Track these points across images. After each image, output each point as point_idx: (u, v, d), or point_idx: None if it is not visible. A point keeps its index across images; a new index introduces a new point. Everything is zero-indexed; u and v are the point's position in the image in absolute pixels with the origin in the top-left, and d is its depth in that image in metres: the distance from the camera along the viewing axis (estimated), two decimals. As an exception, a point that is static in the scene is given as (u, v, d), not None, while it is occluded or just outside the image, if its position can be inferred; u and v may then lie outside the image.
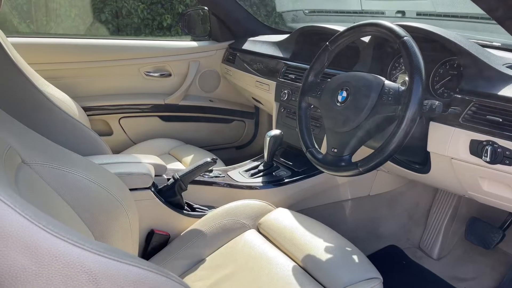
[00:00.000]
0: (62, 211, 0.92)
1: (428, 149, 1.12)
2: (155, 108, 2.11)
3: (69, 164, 0.98)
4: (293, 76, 1.61)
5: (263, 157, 1.66)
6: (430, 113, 1.01)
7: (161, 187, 1.30)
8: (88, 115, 1.91)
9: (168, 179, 1.37)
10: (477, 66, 1.05)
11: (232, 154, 2.44)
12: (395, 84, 1.04)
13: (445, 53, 1.18)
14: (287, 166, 1.56)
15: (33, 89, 1.22)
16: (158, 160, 1.35)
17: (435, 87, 1.21)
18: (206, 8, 2.17)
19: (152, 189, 1.25)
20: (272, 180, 1.47)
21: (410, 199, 1.67)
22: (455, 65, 1.16)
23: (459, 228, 1.64)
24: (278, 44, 1.82)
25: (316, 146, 1.20)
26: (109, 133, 2.06)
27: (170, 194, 1.29)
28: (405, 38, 0.99)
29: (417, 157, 1.22)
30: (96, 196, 1.00)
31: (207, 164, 1.31)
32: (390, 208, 1.63)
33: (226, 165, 1.87)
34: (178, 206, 1.32)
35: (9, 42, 1.50)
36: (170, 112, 2.15)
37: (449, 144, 1.06)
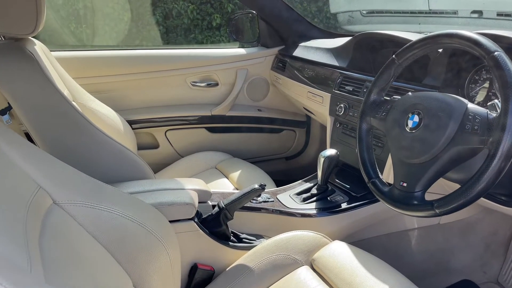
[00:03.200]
0: (95, 255, 0.83)
1: (521, 183, 0.93)
2: (202, 119, 2.02)
3: (104, 201, 0.89)
4: (350, 88, 1.44)
5: (316, 176, 1.52)
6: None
7: (205, 216, 1.20)
8: (133, 129, 1.86)
9: (213, 206, 1.27)
10: None
11: (281, 166, 2.31)
12: (482, 109, 0.85)
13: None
14: (343, 190, 1.40)
15: (71, 110, 1.15)
16: (202, 185, 1.25)
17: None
18: (254, 12, 2.05)
19: (195, 220, 1.15)
20: (327, 206, 1.32)
21: (487, 227, 1.45)
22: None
23: (547, 261, 1.40)
24: (333, 51, 1.65)
25: (381, 176, 1.04)
26: (155, 146, 2.00)
27: (215, 224, 1.19)
28: (496, 53, 0.81)
29: (504, 188, 1.02)
30: (133, 235, 0.91)
31: (254, 191, 1.19)
32: (464, 238, 1.43)
33: (276, 177, 1.75)
34: (223, 237, 1.21)
35: (53, 57, 1.46)
36: (217, 124, 2.06)
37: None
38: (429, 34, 0.95)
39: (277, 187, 1.66)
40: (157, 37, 5.94)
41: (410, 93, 1.06)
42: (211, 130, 2.07)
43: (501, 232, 1.48)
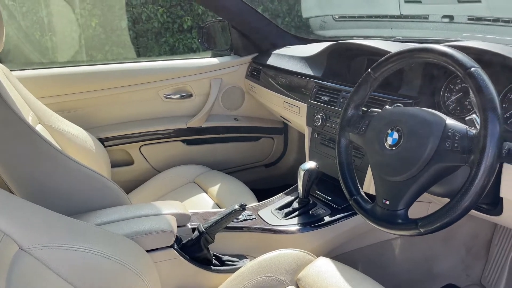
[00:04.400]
0: (70, 301, 0.78)
1: (501, 195, 0.92)
2: (177, 132, 1.97)
3: (76, 239, 0.84)
4: (326, 99, 1.42)
5: (296, 188, 1.50)
6: (508, 160, 0.81)
7: (185, 241, 1.15)
8: (106, 146, 1.80)
9: (193, 229, 1.22)
10: None
11: (261, 173, 2.28)
12: (461, 125, 0.84)
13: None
14: (325, 202, 1.38)
15: (35, 137, 1.07)
16: (180, 208, 1.20)
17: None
18: (223, 19, 2.01)
19: (175, 247, 1.11)
20: (309, 221, 1.30)
21: (467, 231, 1.46)
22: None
23: (527, 261, 1.42)
24: (307, 60, 1.62)
25: (362, 193, 1.02)
26: (130, 162, 1.94)
27: (196, 249, 1.15)
28: (472, 69, 0.80)
29: (485, 198, 1.02)
30: (109, 273, 0.86)
31: (234, 212, 1.16)
32: (446, 243, 1.43)
33: (257, 186, 1.71)
34: (205, 261, 1.17)
35: (14, 78, 1.38)
36: (193, 136, 2.01)
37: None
38: (405, 48, 0.94)
39: (258, 195, 1.64)
40: (127, 42, 5.82)
41: (387, 106, 1.05)
42: (187, 142, 2.02)
43: (482, 235, 1.49)
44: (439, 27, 1.62)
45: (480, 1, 1.47)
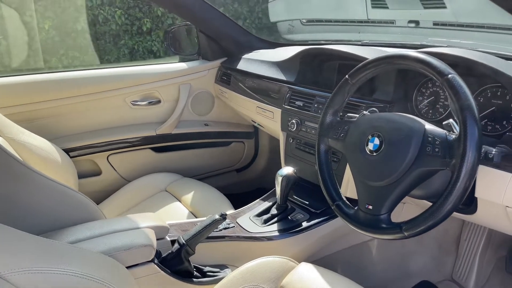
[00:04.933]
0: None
1: (476, 195, 0.96)
2: (146, 140, 1.92)
3: (51, 260, 0.79)
4: (300, 104, 1.43)
5: (273, 194, 1.49)
6: (485, 163, 0.84)
7: (165, 255, 1.12)
8: (72, 157, 1.72)
9: (172, 242, 1.19)
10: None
11: (233, 179, 2.27)
12: (440, 130, 0.86)
13: (486, 79, 1.00)
14: (303, 207, 1.38)
15: None
16: (158, 221, 1.17)
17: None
18: (191, 24, 1.98)
19: (156, 261, 1.07)
20: (288, 226, 1.30)
21: (438, 227, 1.50)
22: (498, 93, 0.99)
23: (493, 255, 1.49)
24: (279, 65, 1.63)
25: (344, 198, 1.03)
26: (97, 173, 1.86)
27: (176, 262, 1.11)
28: (449, 76, 0.82)
29: None
30: (90, 294, 0.82)
31: (215, 222, 1.13)
32: (419, 241, 1.47)
33: (229, 191, 1.69)
34: (186, 274, 1.14)
35: None
36: (163, 143, 1.96)
37: (505, 192, 0.90)
38: (382, 55, 0.95)
39: (231, 201, 1.62)
40: (84, 45, 5.63)
41: (365, 112, 1.07)
42: (157, 150, 1.97)
43: (451, 230, 1.55)
44: (405, 31, 1.68)
45: (445, 7, 1.53)
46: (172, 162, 2.01)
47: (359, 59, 1.22)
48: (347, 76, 1.04)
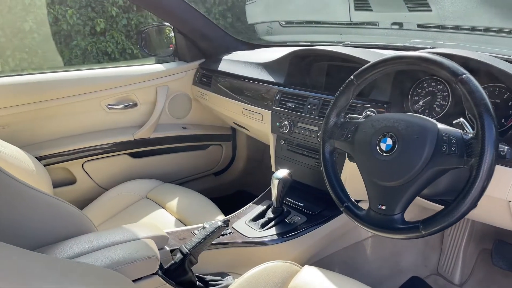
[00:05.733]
0: None
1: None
2: (124, 145, 1.83)
3: (59, 279, 0.72)
4: (292, 105, 1.41)
5: (265, 197, 1.47)
6: (498, 160, 0.86)
7: (168, 266, 1.06)
8: (45, 165, 1.60)
9: (171, 251, 1.14)
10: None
11: (211, 183, 2.22)
12: (454, 129, 0.88)
13: (484, 79, 1.04)
14: (298, 209, 1.37)
15: None
16: (156, 230, 1.11)
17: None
18: (167, 24, 1.91)
19: (160, 273, 1.02)
20: (287, 230, 1.28)
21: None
22: (496, 92, 1.03)
23: (476, 248, 1.56)
24: (265, 66, 1.60)
25: (353, 199, 1.03)
26: (72, 181, 1.75)
27: (180, 273, 1.06)
28: (464, 76, 0.84)
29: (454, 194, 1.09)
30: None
31: (219, 229, 1.10)
32: (408, 238, 1.51)
33: (207, 195, 1.64)
34: (190, 285, 1.09)
35: None
36: (141, 148, 1.88)
37: (510, 188, 0.93)
38: (392, 55, 0.95)
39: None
40: (32, 46, 5.33)
41: (368, 112, 1.07)
42: (134, 155, 1.88)
43: (436, 226, 1.60)
44: (388, 33, 1.71)
45: (431, 10, 1.59)
46: (150, 168, 1.94)
47: (359, 61, 1.22)
48: (352, 76, 1.03)
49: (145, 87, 1.85)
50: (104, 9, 5.63)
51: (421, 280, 1.51)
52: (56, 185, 1.67)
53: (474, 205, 0.82)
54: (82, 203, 1.68)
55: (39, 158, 1.57)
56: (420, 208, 1.24)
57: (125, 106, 1.83)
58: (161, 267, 1.07)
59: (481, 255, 1.55)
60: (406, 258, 1.53)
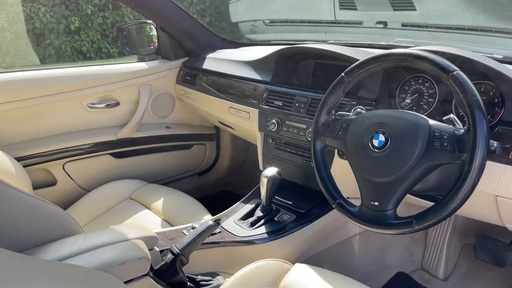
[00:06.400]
0: None
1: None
2: (106, 145, 1.78)
3: (36, 281, 0.69)
4: (280, 103, 1.41)
5: (253, 195, 1.46)
6: (489, 155, 0.88)
7: (158, 266, 1.04)
8: (24, 166, 1.55)
9: (161, 251, 1.12)
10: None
11: (195, 182, 2.19)
12: (445, 125, 0.89)
13: (472, 76, 1.06)
14: (287, 207, 1.37)
15: None
16: (145, 231, 1.08)
17: (459, 115, 1.09)
18: (150, 21, 1.88)
19: (151, 274, 0.99)
20: (277, 228, 1.27)
21: (409, 218, 1.58)
22: (482, 89, 1.06)
23: (459, 243, 1.59)
24: (251, 64, 1.59)
25: (345, 196, 1.03)
26: (52, 183, 1.70)
27: (171, 273, 1.04)
28: (455, 72, 0.85)
29: (444, 190, 1.11)
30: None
31: (210, 228, 1.08)
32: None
33: (191, 195, 1.62)
34: (180, 285, 1.07)
35: None
36: (124, 148, 1.84)
37: (497, 182, 0.96)
38: (383, 53, 0.96)
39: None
40: (3, 45, 5.17)
41: (359, 109, 1.08)
42: (117, 156, 1.84)
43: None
44: (372, 32, 1.73)
45: (415, 9, 1.62)
46: (133, 168, 1.90)
47: (347, 59, 1.23)
48: (343, 74, 1.04)
49: (127, 85, 1.81)
50: (79, 7, 5.52)
51: (407, 275, 1.54)
52: (35, 186, 1.62)
53: (466, 199, 0.83)
54: (63, 205, 1.62)
55: (18, 159, 1.52)
56: (407, 204, 1.26)
57: (107, 105, 1.79)
58: (151, 268, 1.04)
59: (464, 250, 1.59)
60: (392, 254, 1.55)
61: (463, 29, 1.32)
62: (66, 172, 1.71)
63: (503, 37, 1.25)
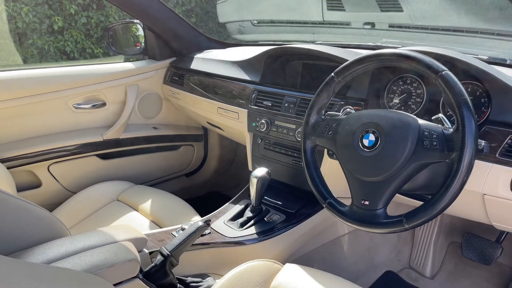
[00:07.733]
0: None
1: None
2: (92, 146, 1.76)
3: (23, 284, 0.68)
4: (269, 103, 1.41)
5: (242, 196, 1.46)
6: (477, 154, 0.90)
7: (148, 268, 1.03)
8: (8, 168, 1.51)
9: (150, 253, 1.10)
10: (508, 94, 0.96)
11: (183, 183, 2.18)
12: (434, 124, 0.90)
13: (459, 76, 1.08)
14: (277, 208, 1.37)
15: None
16: (134, 232, 1.07)
17: (447, 114, 1.11)
18: (136, 21, 1.86)
19: (140, 276, 0.98)
20: (267, 228, 1.27)
21: (397, 217, 1.60)
22: (469, 89, 1.07)
23: (445, 241, 1.61)
24: (240, 65, 1.59)
25: (335, 195, 1.03)
26: (37, 185, 1.66)
27: (161, 275, 1.03)
28: (444, 72, 0.86)
29: (430, 189, 1.12)
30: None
31: (200, 229, 1.07)
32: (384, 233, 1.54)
33: (180, 196, 1.61)
34: (170, 287, 1.06)
35: None
36: (110, 149, 1.81)
37: (485, 181, 0.97)
38: (372, 53, 0.97)
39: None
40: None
41: (348, 109, 1.09)
42: (103, 157, 1.82)
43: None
44: (360, 33, 1.75)
45: (402, 11, 1.64)
46: (120, 170, 1.87)
47: (336, 59, 1.24)
48: (333, 74, 1.04)
49: (114, 86, 1.79)
50: (62, 7, 5.44)
51: (395, 274, 1.55)
52: (20, 189, 1.59)
53: (455, 197, 0.84)
54: (49, 208, 1.57)
55: (2, 161, 1.49)
56: (395, 204, 1.27)
57: (93, 105, 1.76)
58: (140, 270, 1.03)
59: (450, 248, 1.61)
60: (380, 253, 1.56)
61: (449, 30, 1.34)
62: (51, 174, 1.68)
63: (488, 38, 1.28)
